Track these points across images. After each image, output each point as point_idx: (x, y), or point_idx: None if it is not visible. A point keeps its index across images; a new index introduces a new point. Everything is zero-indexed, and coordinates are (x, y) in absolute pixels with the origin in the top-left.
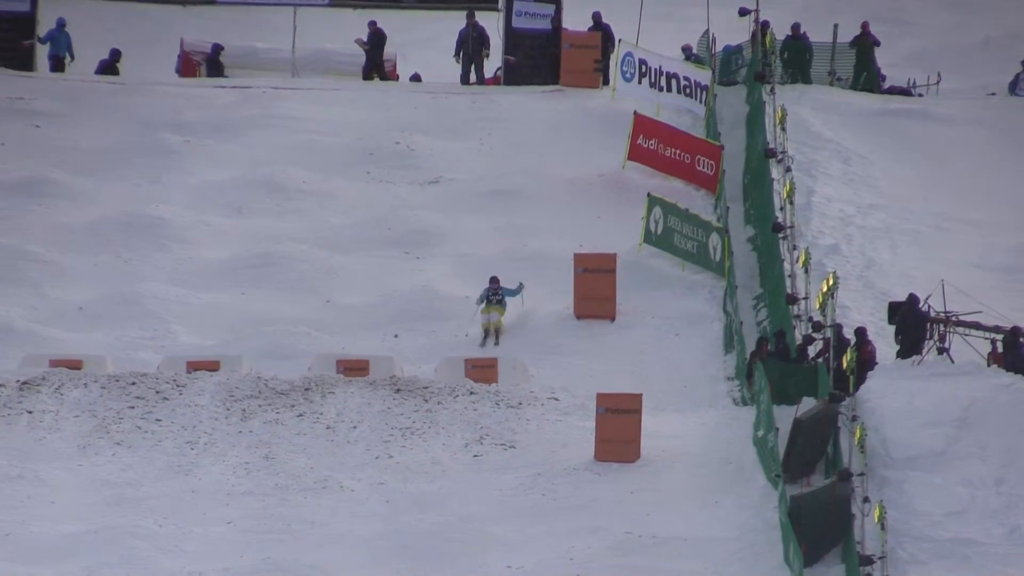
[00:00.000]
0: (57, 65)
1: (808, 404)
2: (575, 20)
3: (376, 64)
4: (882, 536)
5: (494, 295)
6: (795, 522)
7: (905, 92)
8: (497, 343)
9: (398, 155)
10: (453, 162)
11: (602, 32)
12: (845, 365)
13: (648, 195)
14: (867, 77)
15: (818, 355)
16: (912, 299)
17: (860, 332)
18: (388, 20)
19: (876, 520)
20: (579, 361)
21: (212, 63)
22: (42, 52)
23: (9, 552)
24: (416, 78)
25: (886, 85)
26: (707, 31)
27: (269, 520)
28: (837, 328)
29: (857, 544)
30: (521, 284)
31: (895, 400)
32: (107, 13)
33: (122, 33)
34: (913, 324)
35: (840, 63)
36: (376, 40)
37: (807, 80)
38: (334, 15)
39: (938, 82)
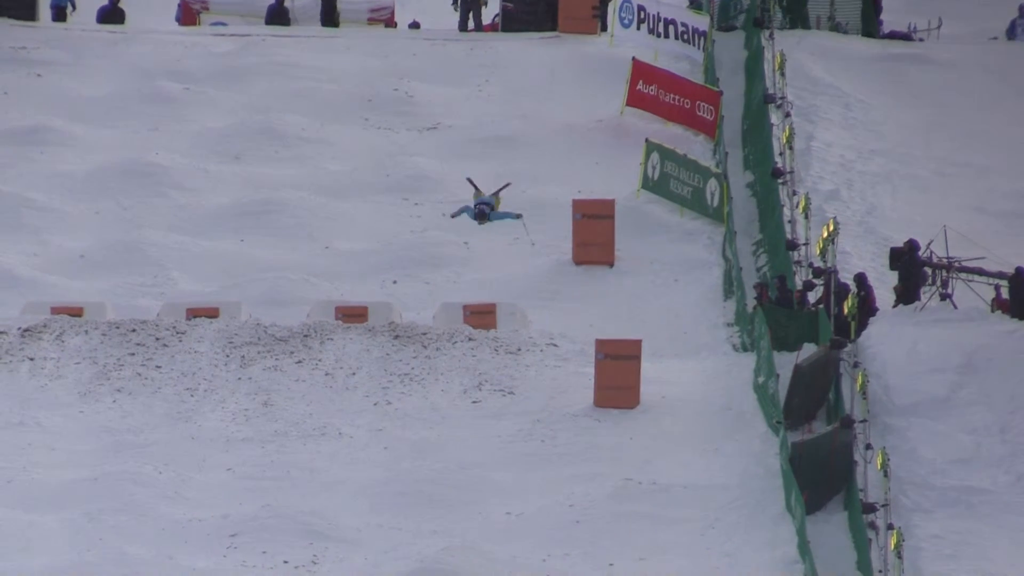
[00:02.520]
0: (59, 15)
1: (809, 350)
2: None
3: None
4: (885, 484)
5: (481, 216)
6: (796, 469)
7: (905, 37)
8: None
9: (396, 102)
10: (451, 109)
11: None
12: (846, 311)
13: (646, 141)
14: (866, 16)
15: (818, 302)
16: (911, 245)
17: (859, 278)
18: None
19: (879, 467)
20: (578, 307)
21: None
22: (44, 2)
23: (10, 498)
24: (415, 25)
25: (886, 30)
26: None
27: (268, 467)
28: (834, 274)
29: (860, 492)
30: (520, 214)
31: (897, 346)
32: None
33: None
34: (912, 270)
35: (840, 8)
36: None
37: (806, 25)
38: None
39: (939, 27)
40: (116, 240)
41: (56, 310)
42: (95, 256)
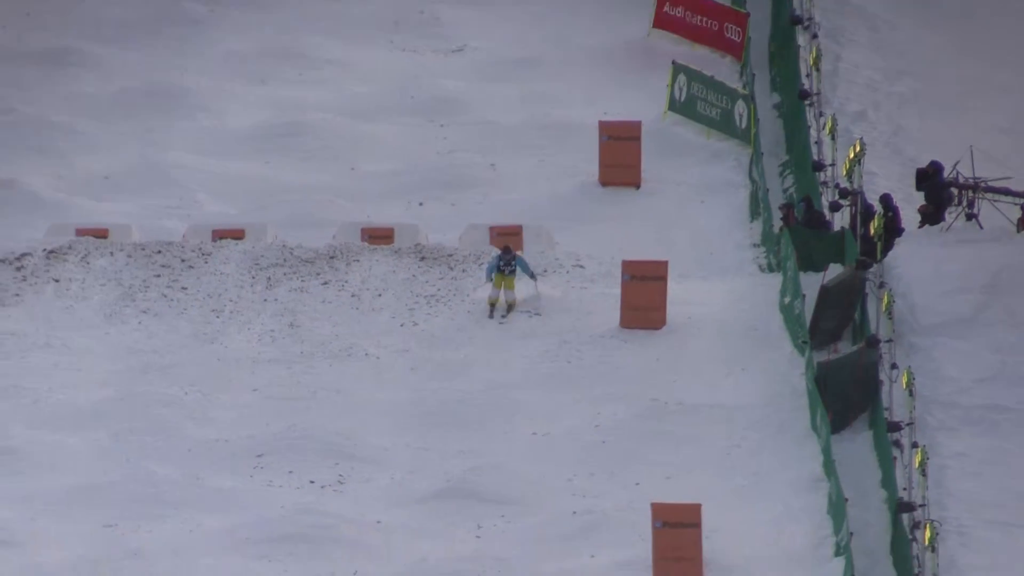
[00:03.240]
0: None
1: (835, 271)
2: None
3: None
4: (910, 403)
5: (507, 265)
6: (822, 389)
7: None
8: (505, 316)
9: (422, 24)
10: (477, 31)
11: None
12: (872, 232)
13: (673, 62)
14: None
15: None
16: (935, 166)
17: (885, 199)
18: None
19: (904, 387)
20: (604, 228)
21: None
22: None
23: (36, 419)
24: None
25: None
26: None
27: (294, 387)
28: (860, 195)
29: (885, 410)
30: (535, 275)
31: (923, 267)
32: None
33: None
34: (937, 191)
35: None
36: None
37: None
38: None
39: None
40: (141, 162)
41: (81, 232)
42: (120, 178)
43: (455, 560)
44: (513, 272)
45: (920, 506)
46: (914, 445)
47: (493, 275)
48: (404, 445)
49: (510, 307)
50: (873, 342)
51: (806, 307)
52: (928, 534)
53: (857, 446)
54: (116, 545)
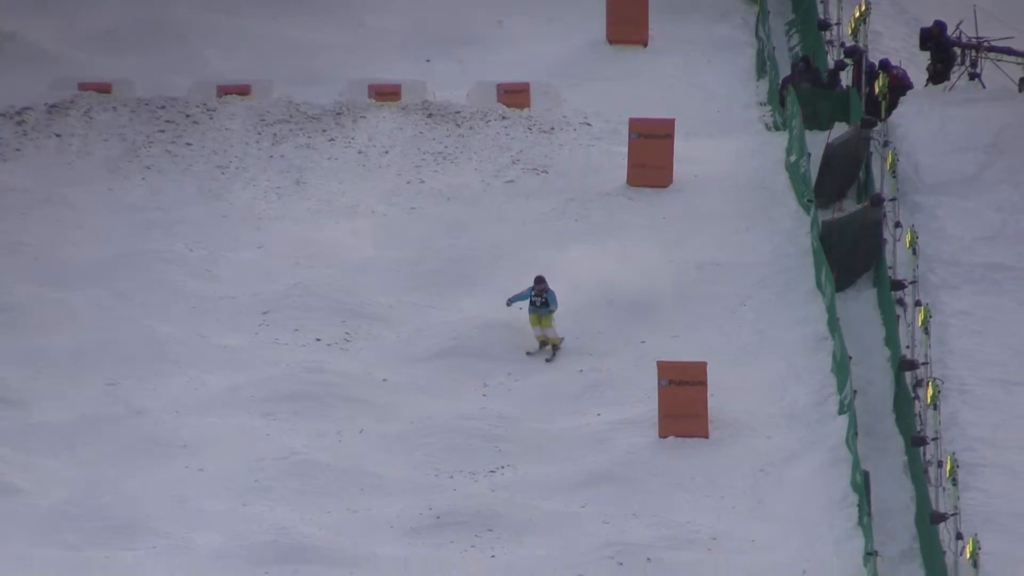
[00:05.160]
0: None
1: (840, 129)
2: None
3: None
4: (913, 261)
5: (538, 296)
6: (827, 247)
7: None
8: (552, 357)
9: None
10: None
11: None
12: (877, 90)
13: None
14: None
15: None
16: (939, 25)
17: (883, 64)
18: None
19: (907, 245)
20: (611, 86)
21: None
22: None
23: (38, 276)
24: None
25: None
26: None
27: (300, 245)
28: (863, 54)
29: (888, 269)
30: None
31: (927, 126)
32: None
33: None
34: (941, 51)
35: None
36: None
37: None
38: None
39: None
40: (145, 17)
41: (84, 86)
42: (124, 33)
43: (461, 418)
44: (546, 303)
45: (923, 364)
46: (917, 303)
47: (531, 312)
48: (410, 303)
49: (554, 346)
50: (877, 201)
51: (811, 166)
52: (930, 392)
53: (861, 304)
54: (119, 403)
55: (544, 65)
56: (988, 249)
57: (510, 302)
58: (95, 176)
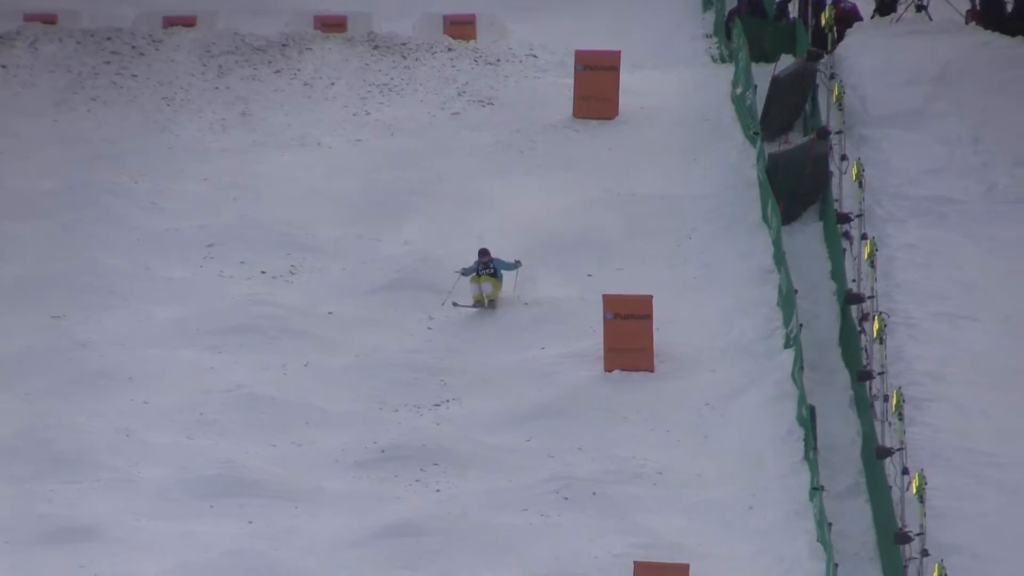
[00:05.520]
0: None
1: (787, 62)
2: None
3: None
4: (860, 194)
5: (484, 268)
6: (773, 180)
7: None
8: (489, 307)
9: None
10: None
11: None
12: (824, 22)
13: None
14: None
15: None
16: None
17: None
18: None
19: (854, 178)
20: (557, 18)
21: None
22: None
23: None
24: None
25: None
26: None
27: (246, 176)
28: None
29: (835, 202)
30: (518, 261)
31: (873, 58)
32: None
33: None
34: None
35: None
36: None
37: None
38: None
39: None
40: None
41: (29, 17)
42: None
43: (406, 351)
44: (494, 274)
45: (869, 298)
46: (863, 237)
47: (471, 277)
48: (356, 236)
49: (492, 302)
50: (823, 133)
51: (757, 98)
52: (876, 326)
53: (807, 238)
54: (64, 336)
55: None
56: (935, 182)
57: (460, 274)
58: (41, 107)
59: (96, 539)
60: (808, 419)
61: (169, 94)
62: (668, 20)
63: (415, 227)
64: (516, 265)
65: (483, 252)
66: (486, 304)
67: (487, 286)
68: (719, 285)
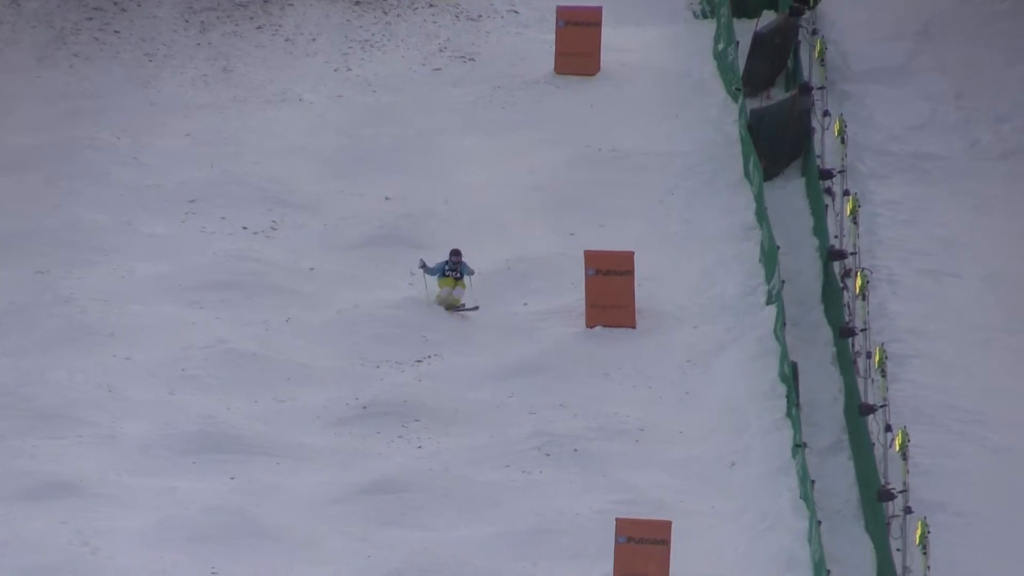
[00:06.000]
0: None
1: (768, 18)
2: None
3: None
4: (842, 150)
5: (452, 270)
6: (755, 136)
7: None
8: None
9: None
10: None
11: None
12: None
13: None
14: None
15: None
16: None
17: None
18: None
19: (836, 134)
20: None
21: None
22: None
23: None
24: None
25: None
26: None
27: (228, 132)
28: None
29: (817, 158)
30: (473, 271)
31: (856, 13)
32: None
33: None
34: None
35: None
36: None
37: None
38: None
39: None
40: None
41: None
42: None
43: (387, 307)
44: (460, 277)
45: (851, 254)
46: (845, 193)
47: (438, 277)
48: (337, 191)
49: (453, 304)
50: (806, 89)
51: (739, 54)
52: (859, 282)
53: (789, 194)
54: (46, 291)
55: None
56: (917, 138)
57: (424, 270)
58: (23, 63)
59: (78, 494)
60: (790, 376)
61: (151, 50)
62: None
63: (396, 183)
64: (472, 272)
65: (455, 252)
66: (455, 309)
67: (458, 291)
68: (701, 241)
